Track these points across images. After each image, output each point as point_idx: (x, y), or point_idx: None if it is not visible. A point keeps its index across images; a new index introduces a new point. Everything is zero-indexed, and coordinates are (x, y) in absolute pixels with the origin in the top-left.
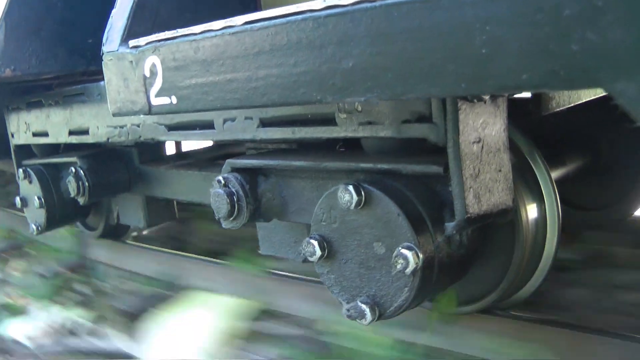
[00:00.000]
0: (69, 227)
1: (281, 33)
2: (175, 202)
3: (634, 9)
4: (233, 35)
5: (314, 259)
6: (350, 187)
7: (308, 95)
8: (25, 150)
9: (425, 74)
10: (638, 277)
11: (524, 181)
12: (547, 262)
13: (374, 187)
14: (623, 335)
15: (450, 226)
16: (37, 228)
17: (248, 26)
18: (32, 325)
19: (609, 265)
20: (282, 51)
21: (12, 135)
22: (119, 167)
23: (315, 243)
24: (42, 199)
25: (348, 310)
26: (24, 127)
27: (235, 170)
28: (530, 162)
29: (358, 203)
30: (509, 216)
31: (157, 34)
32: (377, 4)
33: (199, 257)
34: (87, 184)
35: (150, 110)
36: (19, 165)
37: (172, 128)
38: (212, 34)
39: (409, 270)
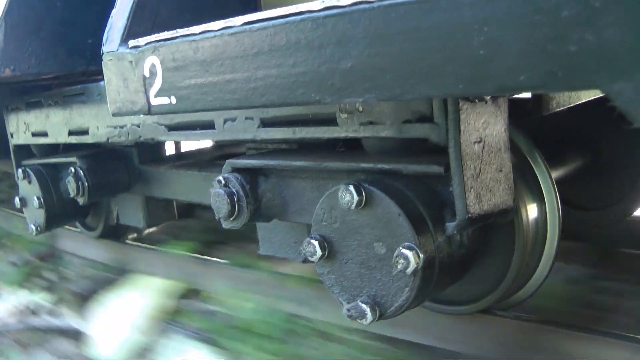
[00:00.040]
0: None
1: (280, 34)
2: (174, 203)
3: (632, 11)
4: (232, 35)
5: (314, 259)
6: (351, 187)
7: (307, 96)
8: (24, 150)
9: (423, 75)
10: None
11: (525, 181)
12: (548, 262)
13: (375, 187)
14: (622, 335)
15: (451, 226)
16: (37, 228)
17: (247, 27)
18: (0, 307)
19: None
20: (281, 52)
21: (12, 135)
22: (119, 168)
23: (316, 243)
24: (42, 199)
25: (349, 310)
26: (24, 127)
27: (235, 170)
28: (531, 162)
29: (359, 203)
30: (510, 216)
31: (156, 34)
32: (375, 4)
33: (143, 245)
34: (86, 184)
35: (149, 110)
36: (18, 165)
37: (172, 128)
38: (212, 34)
39: (409, 270)
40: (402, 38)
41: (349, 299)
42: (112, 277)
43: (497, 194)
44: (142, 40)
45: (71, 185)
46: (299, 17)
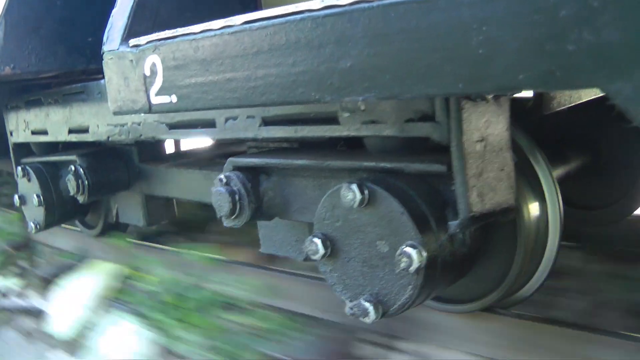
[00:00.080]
0: (15, 212)
1: (280, 33)
2: (174, 201)
3: (630, 10)
4: (232, 34)
5: (317, 257)
6: (354, 186)
7: (306, 95)
8: (24, 149)
9: (422, 74)
10: None
11: (526, 180)
12: (549, 261)
13: (378, 186)
14: (623, 334)
15: (453, 225)
16: (36, 226)
17: (247, 26)
18: None
19: None
20: (281, 51)
21: (11, 134)
22: (119, 166)
23: (319, 241)
24: (41, 197)
25: (351, 308)
26: (23, 125)
27: (237, 168)
28: (532, 161)
29: (361, 201)
30: (512, 215)
31: (157, 33)
32: (374, 4)
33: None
34: (86, 182)
35: (150, 109)
36: (18, 163)
37: (173, 126)
38: (212, 33)
39: (412, 268)
40: (401, 37)
41: (351, 297)
42: (74, 263)
43: (499, 193)
44: (142, 39)
45: (71, 184)
46: (298, 17)
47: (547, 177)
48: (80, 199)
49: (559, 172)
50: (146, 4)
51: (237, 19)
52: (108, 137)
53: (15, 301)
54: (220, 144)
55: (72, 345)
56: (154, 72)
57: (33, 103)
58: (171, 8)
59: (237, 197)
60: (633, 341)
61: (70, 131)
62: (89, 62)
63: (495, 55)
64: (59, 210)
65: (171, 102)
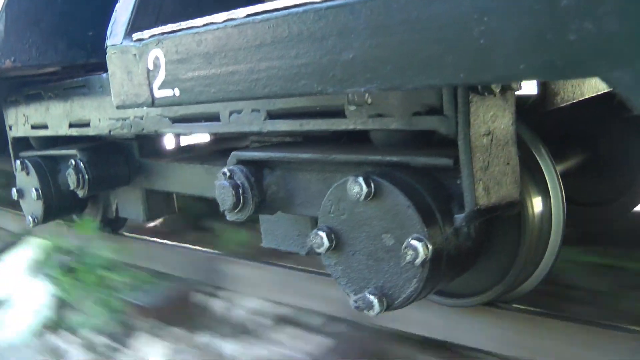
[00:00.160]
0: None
1: (282, 25)
2: (175, 196)
3: None
4: (235, 27)
5: (321, 250)
6: (360, 179)
7: (309, 87)
8: (23, 143)
9: (424, 65)
10: None
11: (530, 174)
12: (552, 255)
13: (384, 179)
14: (628, 328)
15: (459, 218)
16: (34, 220)
17: (250, 18)
18: None
19: None
20: (284, 43)
21: (10, 128)
22: (119, 160)
23: (324, 235)
24: (40, 191)
25: (356, 301)
26: (23, 119)
27: (240, 162)
28: (536, 156)
29: (367, 195)
30: (516, 209)
31: (160, 27)
32: None
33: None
34: (87, 176)
35: (153, 102)
36: (17, 157)
37: (176, 120)
38: (215, 26)
39: (418, 261)
40: (402, 29)
41: (356, 291)
42: (14, 240)
43: (505, 187)
44: (146, 33)
45: (71, 178)
46: (301, 9)
47: (551, 172)
48: (80, 193)
49: (559, 168)
50: None
51: (240, 12)
52: (110, 131)
53: None
54: (220, 138)
55: None
56: (157, 66)
57: (33, 97)
58: (174, 2)
59: (240, 190)
60: (634, 333)
61: (71, 125)
62: (89, 56)
63: (496, 45)
64: (58, 204)
65: (174, 95)
